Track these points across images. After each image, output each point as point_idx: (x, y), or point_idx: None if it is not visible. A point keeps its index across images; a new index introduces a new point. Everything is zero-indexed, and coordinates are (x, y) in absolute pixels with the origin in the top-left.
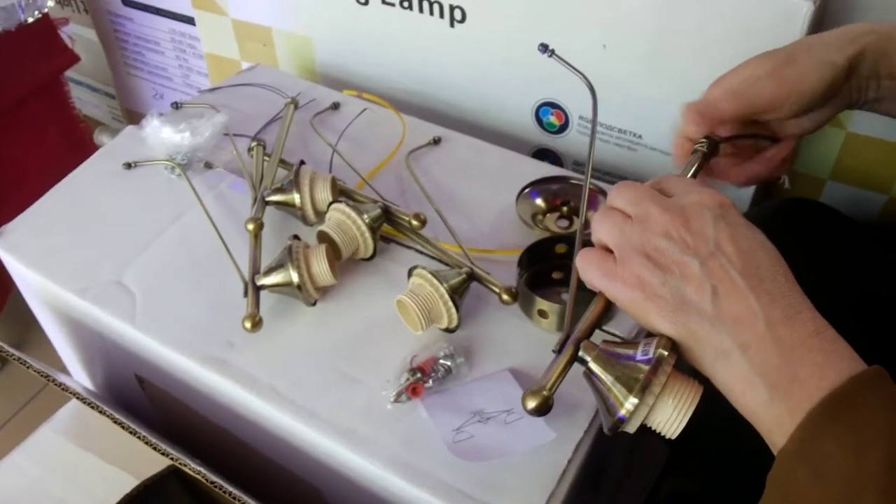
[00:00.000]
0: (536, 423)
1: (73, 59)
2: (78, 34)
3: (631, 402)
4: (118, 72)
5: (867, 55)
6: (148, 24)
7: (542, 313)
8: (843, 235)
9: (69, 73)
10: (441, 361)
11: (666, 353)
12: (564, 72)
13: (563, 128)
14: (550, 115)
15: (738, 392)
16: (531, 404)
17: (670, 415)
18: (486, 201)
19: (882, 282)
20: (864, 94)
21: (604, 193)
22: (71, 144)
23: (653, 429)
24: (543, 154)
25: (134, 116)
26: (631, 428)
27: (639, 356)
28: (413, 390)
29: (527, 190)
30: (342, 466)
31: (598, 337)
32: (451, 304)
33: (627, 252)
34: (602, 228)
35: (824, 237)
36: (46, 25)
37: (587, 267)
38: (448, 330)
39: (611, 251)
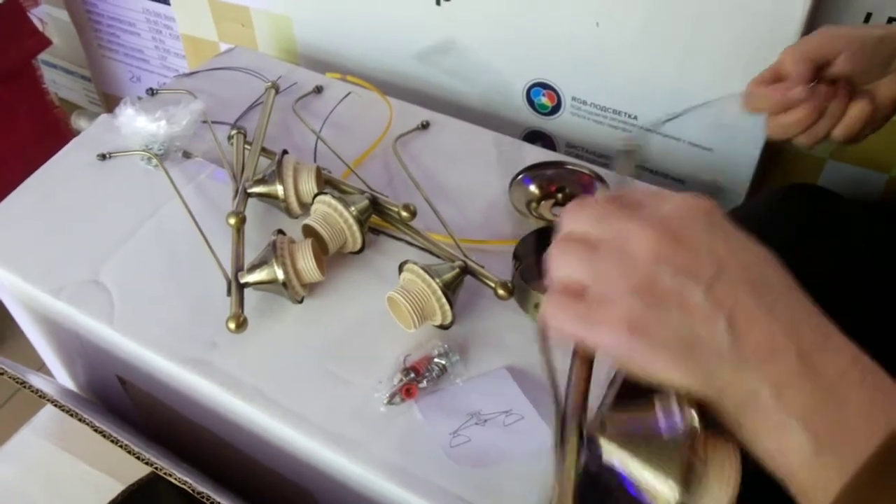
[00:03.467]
0: (536, 424)
1: (45, 42)
2: (50, 15)
3: (674, 494)
4: (92, 54)
5: None
6: (121, 4)
7: (539, 307)
8: (848, 220)
9: (42, 55)
10: (435, 360)
11: (695, 414)
12: (556, 51)
13: (556, 109)
14: (542, 95)
15: (773, 443)
16: None
17: (719, 492)
18: (478, 188)
19: (887, 264)
20: None
21: (600, 178)
22: (45, 131)
23: None
24: (535, 136)
25: (111, 100)
26: None
27: (662, 424)
28: (407, 391)
29: (520, 176)
30: (335, 471)
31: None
32: (444, 300)
33: (605, 287)
34: (564, 264)
35: (829, 222)
36: (15, 8)
37: (556, 313)
38: (442, 327)
39: (581, 292)
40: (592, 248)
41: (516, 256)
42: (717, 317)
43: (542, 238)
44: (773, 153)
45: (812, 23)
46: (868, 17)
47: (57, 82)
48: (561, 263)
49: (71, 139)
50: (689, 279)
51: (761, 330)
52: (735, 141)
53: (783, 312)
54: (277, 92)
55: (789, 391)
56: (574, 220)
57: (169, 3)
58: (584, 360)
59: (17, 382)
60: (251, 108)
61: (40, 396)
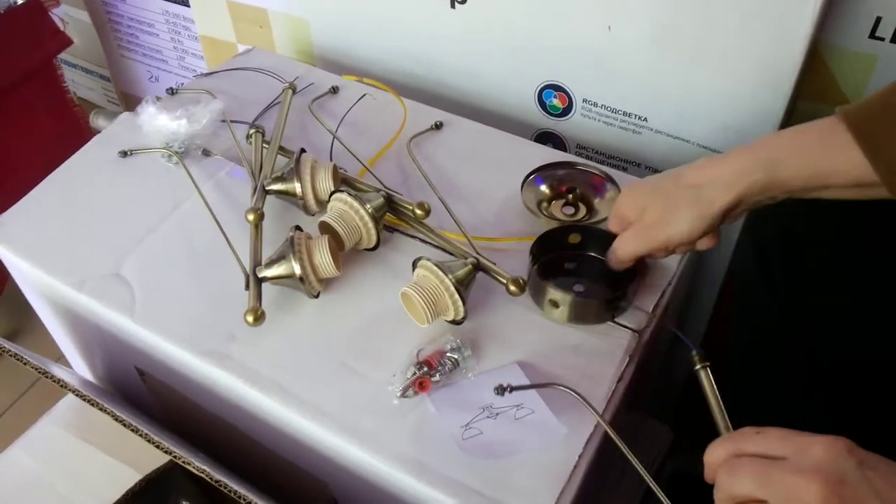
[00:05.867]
0: (547, 418)
1: (66, 42)
2: (70, 16)
3: None
4: (112, 54)
5: (749, 197)
6: (141, 6)
7: (554, 303)
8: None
9: (62, 55)
10: (448, 355)
11: None
12: (568, 54)
13: (567, 111)
14: (553, 97)
15: None
16: None
17: None
18: (490, 188)
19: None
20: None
21: (610, 179)
22: (65, 129)
23: None
24: (546, 137)
25: (129, 99)
26: None
27: None
28: (420, 385)
29: (532, 176)
30: (349, 462)
31: (609, 329)
32: (457, 296)
33: None
34: None
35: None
36: (37, 8)
37: None
38: (455, 322)
39: None
40: None
41: (532, 253)
42: None
43: (558, 237)
44: None
45: (820, 29)
46: (877, 21)
47: (76, 82)
48: None
49: (90, 138)
50: None
51: None
52: (744, 143)
53: None
54: (295, 92)
55: None
56: (734, 482)
57: (188, 5)
58: None
59: (38, 371)
60: (269, 107)
61: (62, 386)
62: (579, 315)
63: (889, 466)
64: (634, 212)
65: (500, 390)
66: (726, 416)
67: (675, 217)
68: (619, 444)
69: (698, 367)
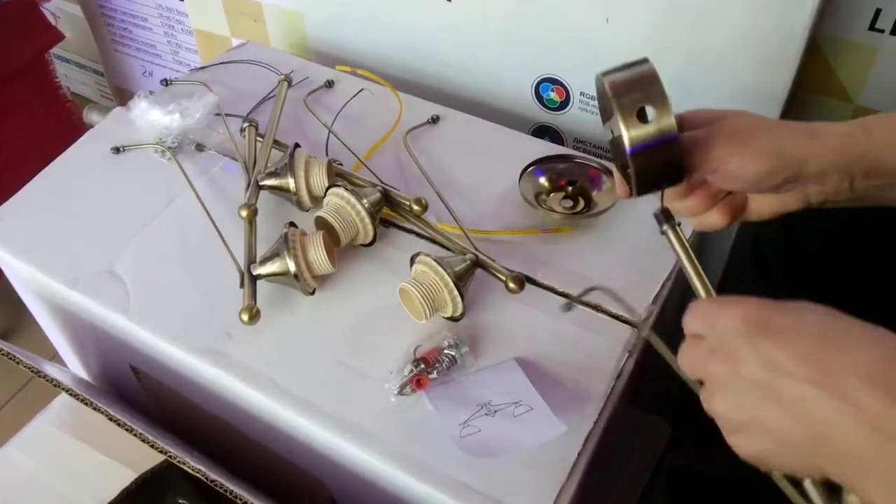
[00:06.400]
0: (545, 415)
1: (58, 36)
2: (62, 10)
3: None
4: (105, 49)
5: (824, 155)
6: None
7: (642, 114)
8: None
9: (55, 49)
10: (445, 351)
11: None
12: (566, 47)
13: (564, 104)
14: (551, 91)
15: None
16: None
17: None
18: (487, 181)
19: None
20: (832, 196)
21: (607, 172)
22: (58, 125)
23: None
24: (543, 131)
25: (123, 94)
26: None
27: None
28: (417, 382)
29: (531, 168)
30: (345, 460)
31: (607, 324)
32: (455, 291)
33: (727, 425)
34: (720, 401)
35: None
36: (28, 2)
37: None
38: (452, 318)
39: None
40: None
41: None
42: (785, 414)
43: None
44: None
45: (819, 21)
46: (877, 13)
47: (69, 76)
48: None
49: (84, 133)
50: (753, 389)
51: (825, 408)
52: None
53: (853, 384)
54: (290, 85)
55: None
56: (681, 363)
57: None
58: None
59: (31, 371)
60: (263, 101)
61: (55, 385)
62: (655, 142)
63: (799, 324)
64: (713, 115)
65: (568, 307)
66: (705, 279)
67: (747, 140)
68: (662, 351)
69: (665, 227)
